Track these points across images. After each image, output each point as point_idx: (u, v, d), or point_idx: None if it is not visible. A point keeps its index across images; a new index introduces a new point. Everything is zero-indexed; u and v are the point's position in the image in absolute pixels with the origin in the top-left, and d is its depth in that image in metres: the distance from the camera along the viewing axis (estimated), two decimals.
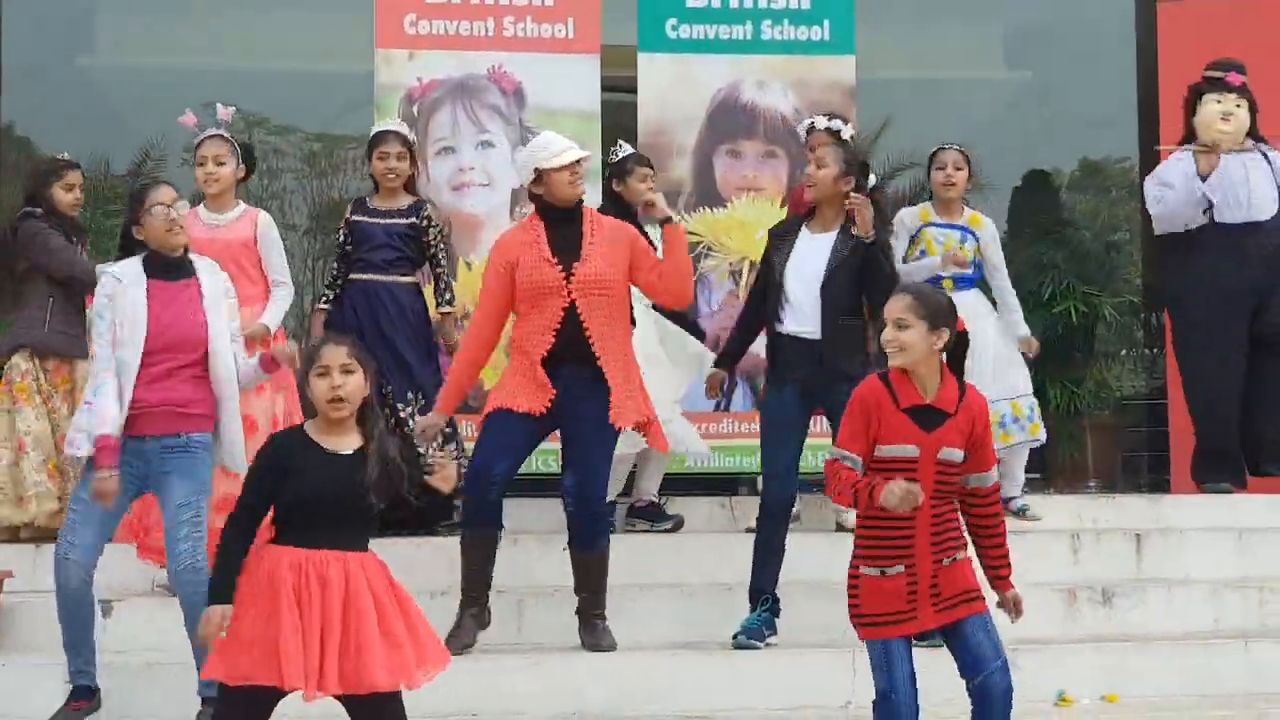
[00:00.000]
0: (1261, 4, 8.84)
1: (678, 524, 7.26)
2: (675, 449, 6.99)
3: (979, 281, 7.40)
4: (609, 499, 7.22)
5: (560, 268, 5.84)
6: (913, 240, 7.40)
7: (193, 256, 5.54)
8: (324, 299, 7.13)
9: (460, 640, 5.77)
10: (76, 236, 7.07)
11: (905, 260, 7.35)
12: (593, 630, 5.93)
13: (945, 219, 7.38)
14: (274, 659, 4.21)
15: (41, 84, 11.28)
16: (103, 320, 5.34)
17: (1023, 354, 7.45)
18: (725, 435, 7.93)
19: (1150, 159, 9.92)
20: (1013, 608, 4.68)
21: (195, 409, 5.34)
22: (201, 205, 6.63)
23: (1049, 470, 10.18)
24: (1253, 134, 7.78)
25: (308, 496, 4.32)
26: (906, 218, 7.48)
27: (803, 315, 6.03)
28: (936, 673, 4.74)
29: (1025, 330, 7.54)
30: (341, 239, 7.17)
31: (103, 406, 5.24)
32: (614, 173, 7.20)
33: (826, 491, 4.66)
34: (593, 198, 6.80)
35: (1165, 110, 8.93)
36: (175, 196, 5.49)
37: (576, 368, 5.82)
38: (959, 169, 7.36)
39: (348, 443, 4.42)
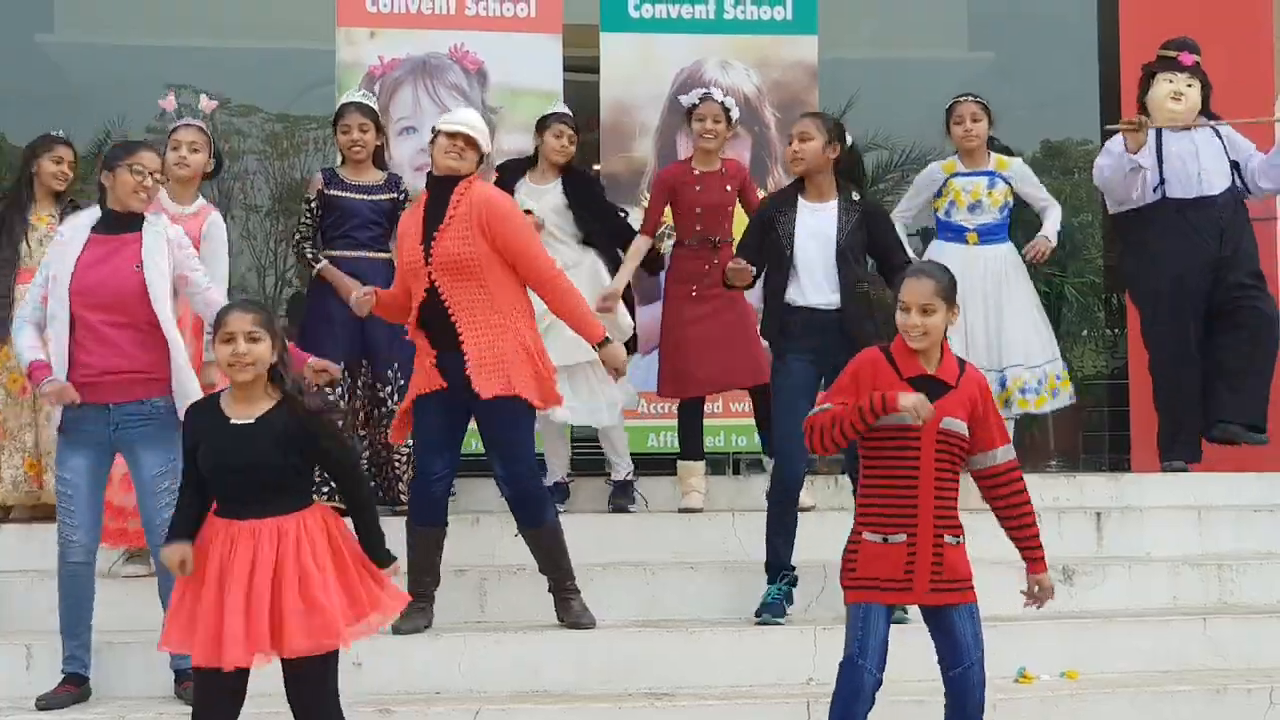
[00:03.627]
0: None
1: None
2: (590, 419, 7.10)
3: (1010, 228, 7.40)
4: (561, 476, 7.23)
5: (423, 246, 5.75)
6: (940, 193, 7.45)
7: (147, 215, 5.45)
8: (312, 257, 6.91)
9: (415, 624, 5.76)
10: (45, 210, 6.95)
11: (935, 212, 7.49)
12: (569, 609, 5.91)
13: (970, 167, 7.44)
14: (194, 633, 4.26)
15: None
16: (41, 274, 5.40)
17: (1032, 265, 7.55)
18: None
19: None
20: (1037, 592, 4.70)
21: (148, 373, 5.24)
22: (163, 190, 6.54)
23: None
24: (1205, 112, 7.78)
25: (214, 466, 4.35)
26: (933, 171, 7.56)
27: (815, 287, 6.00)
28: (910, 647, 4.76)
29: (1048, 233, 7.54)
30: (313, 210, 6.99)
31: (19, 345, 5.35)
32: (536, 126, 7.18)
33: (809, 440, 4.61)
34: None
35: (1127, 92, 8.94)
36: (158, 166, 5.45)
37: (447, 346, 5.72)
38: (976, 120, 7.39)
39: (254, 411, 4.39)
